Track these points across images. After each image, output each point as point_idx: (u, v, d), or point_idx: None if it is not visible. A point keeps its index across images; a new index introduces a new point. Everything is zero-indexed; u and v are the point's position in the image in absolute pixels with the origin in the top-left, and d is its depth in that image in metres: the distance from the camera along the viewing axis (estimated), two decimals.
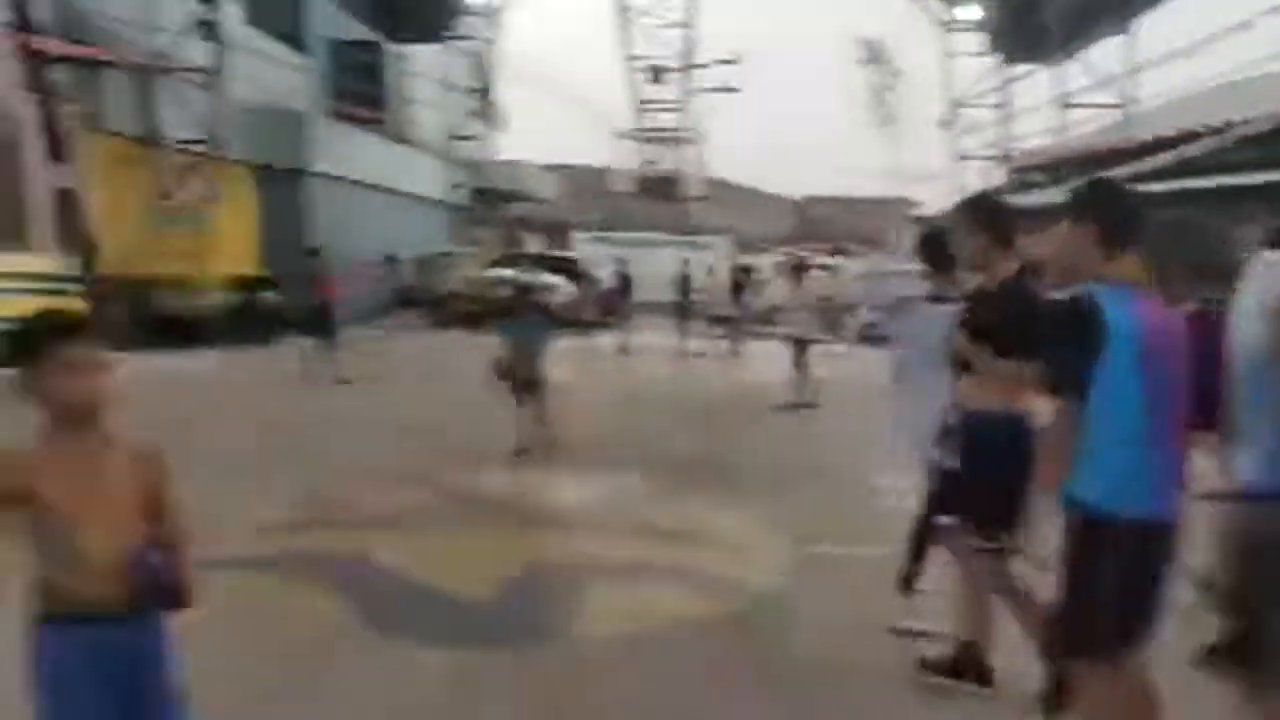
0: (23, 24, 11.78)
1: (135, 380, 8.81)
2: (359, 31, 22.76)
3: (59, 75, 12.57)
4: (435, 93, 26.75)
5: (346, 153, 19.61)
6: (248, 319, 15.25)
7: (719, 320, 17.99)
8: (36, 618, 1.93)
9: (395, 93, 23.24)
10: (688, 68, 38.26)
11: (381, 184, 21.22)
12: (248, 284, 16.04)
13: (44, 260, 13.00)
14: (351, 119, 21.03)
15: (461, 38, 27.77)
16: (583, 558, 5.09)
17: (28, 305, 10.98)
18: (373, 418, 9.22)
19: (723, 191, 41.74)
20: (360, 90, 21.61)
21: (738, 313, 17.83)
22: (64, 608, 1.90)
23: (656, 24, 37.16)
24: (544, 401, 7.36)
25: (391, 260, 17.50)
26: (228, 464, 6.54)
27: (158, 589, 1.91)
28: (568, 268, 22.04)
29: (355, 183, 19.83)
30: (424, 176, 24.64)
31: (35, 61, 12.02)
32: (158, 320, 13.88)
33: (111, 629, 1.92)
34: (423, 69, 25.72)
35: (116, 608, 1.90)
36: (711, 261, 20.07)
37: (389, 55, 22.98)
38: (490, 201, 30.31)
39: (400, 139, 23.65)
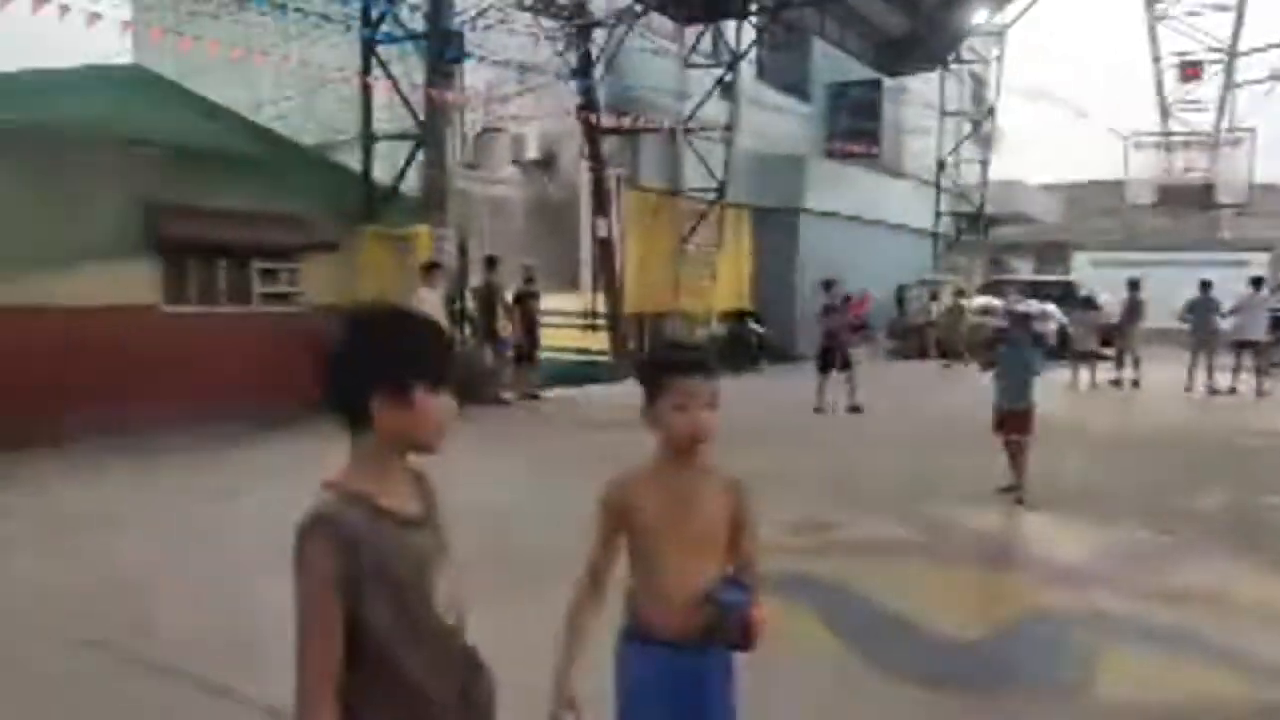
0: (588, 105, 14.47)
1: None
2: (859, 72, 23.58)
3: (608, 144, 15.14)
4: (930, 120, 26.61)
5: (837, 189, 20.51)
6: (737, 349, 16.79)
7: (1249, 350, 15.25)
8: (623, 631, 2.07)
9: (890, 125, 23.64)
10: (1232, 56, 32.95)
11: (868, 217, 21.78)
12: (740, 316, 17.72)
13: (586, 299, 15.76)
14: (846, 155, 21.90)
15: (962, 61, 27.20)
16: (1080, 610, 4.79)
17: (573, 336, 13.58)
18: (852, 444, 9.72)
19: (1269, 196, 35.10)
20: (856, 127, 22.40)
21: (1275, 340, 15.01)
22: (645, 627, 2.01)
23: (1192, 13, 32.59)
24: (1028, 438, 7.12)
25: (846, 299, 18.29)
26: None
27: (731, 628, 1.94)
28: (1062, 293, 20.55)
29: (843, 217, 20.62)
30: (911, 206, 24.73)
31: (593, 135, 14.69)
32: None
33: (684, 656, 1.98)
34: (918, 98, 25.77)
35: (691, 637, 1.96)
36: (1250, 280, 17.17)
37: (886, 90, 23.47)
38: (979, 226, 29.23)
39: (893, 170, 24.01)
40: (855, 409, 11.54)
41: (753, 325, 17.70)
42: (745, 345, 17.05)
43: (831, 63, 22.90)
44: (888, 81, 23.91)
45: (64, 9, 7.77)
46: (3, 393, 8.24)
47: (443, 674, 1.54)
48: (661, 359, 2.08)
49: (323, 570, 1.43)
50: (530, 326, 12.63)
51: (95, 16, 8.11)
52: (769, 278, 18.73)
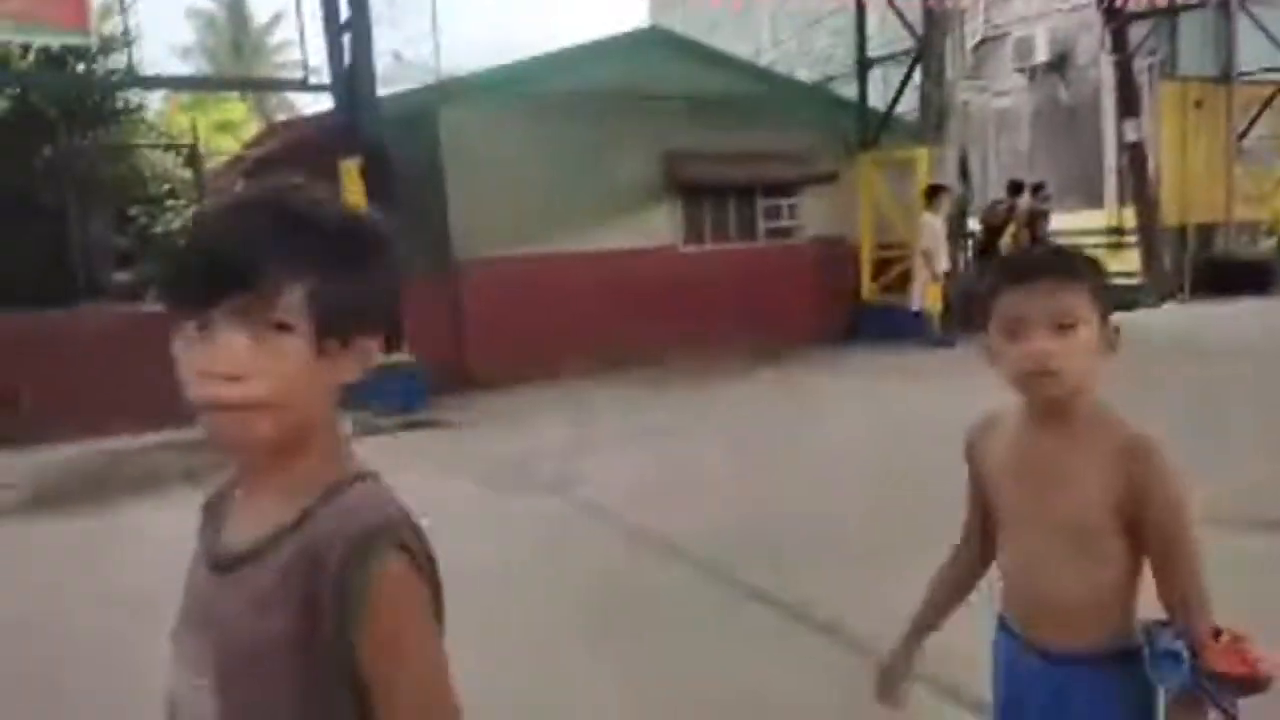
0: None
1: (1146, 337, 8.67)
2: None
3: (1136, 30, 13.03)
4: None
5: None
6: None
7: None
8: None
9: None
10: None
11: None
12: None
13: (1110, 214, 13.87)
14: None
15: None
16: None
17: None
18: None
19: None
20: None
21: None
22: (1002, 613, 1.58)
23: None
24: None
25: None
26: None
27: (1213, 683, 1.33)
28: None
29: None
30: None
31: (1117, 22, 12.75)
32: (1218, 267, 13.41)
33: (1031, 654, 1.50)
34: None
35: (1053, 638, 1.48)
36: None
37: None
38: None
39: None
40: None
41: None
42: None
43: None
44: None
45: None
46: (561, 328, 9.77)
47: None
48: (988, 270, 1.50)
49: None
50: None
51: None
52: None
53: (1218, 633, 1.34)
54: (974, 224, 12.04)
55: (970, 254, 11.78)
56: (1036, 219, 11.48)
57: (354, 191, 8.02)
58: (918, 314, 10.48)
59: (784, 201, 11.45)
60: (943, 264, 10.40)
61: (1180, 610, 1.36)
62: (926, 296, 10.39)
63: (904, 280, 11.08)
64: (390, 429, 7.59)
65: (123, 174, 10.97)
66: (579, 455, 6.39)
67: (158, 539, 5.09)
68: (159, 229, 10.88)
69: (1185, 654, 1.33)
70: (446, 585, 0.96)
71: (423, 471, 6.21)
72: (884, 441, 6.12)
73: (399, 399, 7.93)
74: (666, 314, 10.39)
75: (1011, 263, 1.49)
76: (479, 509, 5.31)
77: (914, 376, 8.64)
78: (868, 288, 11.63)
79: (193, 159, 9.64)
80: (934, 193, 10.40)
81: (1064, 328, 1.37)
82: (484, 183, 9.41)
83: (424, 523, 0.93)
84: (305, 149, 9.58)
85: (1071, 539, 1.42)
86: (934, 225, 10.33)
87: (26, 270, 9.23)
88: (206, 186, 10.46)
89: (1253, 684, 1.31)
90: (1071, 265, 1.42)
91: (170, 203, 11.38)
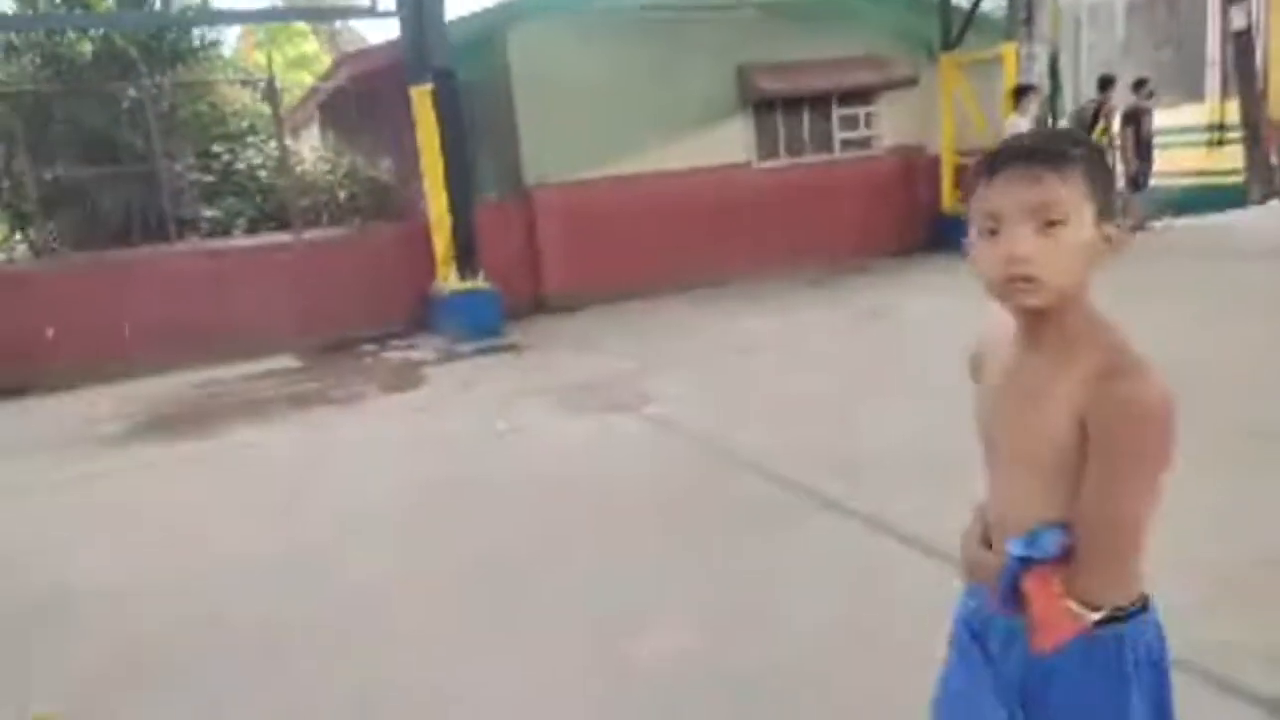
0: None
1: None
2: None
3: None
4: None
5: None
6: None
7: None
8: None
9: None
10: None
11: None
12: None
13: (1211, 110, 13.05)
14: None
15: None
16: None
17: (1191, 156, 11.34)
18: None
19: None
20: None
21: None
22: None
23: None
24: None
25: None
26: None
27: (1004, 590, 1.24)
28: None
29: None
30: None
31: None
32: None
33: (988, 600, 1.33)
34: None
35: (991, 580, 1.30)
36: None
37: None
38: None
39: None
40: None
41: None
42: None
43: None
44: None
45: None
46: (635, 249, 9.73)
47: None
48: (989, 155, 1.22)
49: None
50: (1144, 148, 10.87)
51: None
52: None
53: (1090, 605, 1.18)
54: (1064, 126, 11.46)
55: None
56: (1140, 117, 10.82)
57: (426, 118, 8.05)
58: None
59: (861, 110, 11.07)
60: None
61: (1082, 546, 1.18)
62: None
63: None
64: (468, 354, 7.76)
65: (203, 111, 11.19)
66: (656, 375, 6.44)
67: (278, 457, 5.35)
68: (241, 164, 11.10)
69: (1047, 554, 1.19)
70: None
71: (501, 394, 6.36)
72: (962, 359, 5.99)
73: (476, 324, 8.07)
74: (742, 232, 10.29)
75: (994, 149, 1.22)
76: (558, 429, 5.42)
77: None
78: (949, 197, 11.25)
79: (270, 94, 9.73)
80: (1021, 93, 9.91)
81: (1048, 224, 1.14)
82: (554, 103, 9.32)
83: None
84: (376, 77, 9.61)
85: (1043, 474, 1.21)
86: (1021, 128, 9.86)
87: (118, 208, 9.57)
88: (284, 121, 10.63)
89: (1032, 620, 1.20)
90: (1057, 148, 1.16)
91: (250, 139, 11.58)
